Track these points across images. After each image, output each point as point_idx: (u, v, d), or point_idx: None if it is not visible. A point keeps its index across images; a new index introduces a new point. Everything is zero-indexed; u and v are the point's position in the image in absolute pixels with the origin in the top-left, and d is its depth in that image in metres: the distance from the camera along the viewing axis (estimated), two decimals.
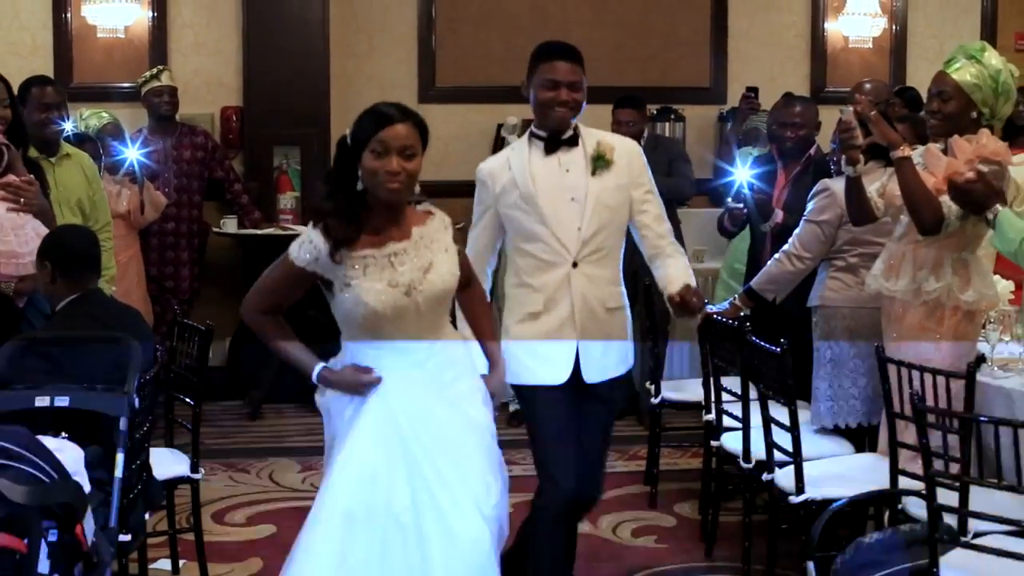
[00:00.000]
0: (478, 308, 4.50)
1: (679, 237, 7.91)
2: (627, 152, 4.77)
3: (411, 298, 3.95)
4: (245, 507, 6.75)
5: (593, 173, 4.66)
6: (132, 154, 7.93)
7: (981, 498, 4.29)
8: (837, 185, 5.68)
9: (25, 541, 3.55)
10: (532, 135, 4.77)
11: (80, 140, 7.09)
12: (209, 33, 9.39)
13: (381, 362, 3.99)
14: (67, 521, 3.68)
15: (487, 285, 4.82)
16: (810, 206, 5.94)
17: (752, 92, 8.45)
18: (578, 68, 4.66)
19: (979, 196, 4.66)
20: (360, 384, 3.98)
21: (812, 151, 6.71)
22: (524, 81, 4.77)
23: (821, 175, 6.15)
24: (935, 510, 4.19)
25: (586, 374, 4.74)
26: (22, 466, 3.59)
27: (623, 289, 4.86)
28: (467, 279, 4.32)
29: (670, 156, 8.08)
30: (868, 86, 6.89)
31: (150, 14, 9.28)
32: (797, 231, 5.98)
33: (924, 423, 4.21)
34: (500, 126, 9.38)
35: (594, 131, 4.81)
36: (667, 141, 8.34)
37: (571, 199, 4.67)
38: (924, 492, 4.28)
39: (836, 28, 10.23)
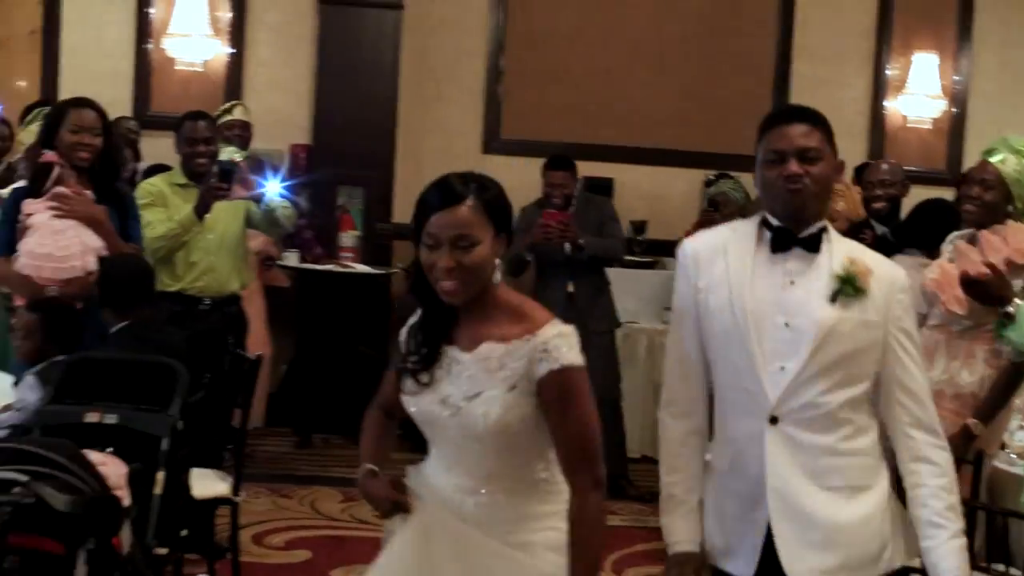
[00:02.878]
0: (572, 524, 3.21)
1: (608, 297, 7.95)
2: (889, 282, 3.38)
3: (444, 411, 3.20)
4: (284, 531, 6.96)
5: (833, 299, 3.33)
6: (273, 187, 7.35)
7: None
8: None
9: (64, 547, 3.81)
10: (763, 223, 3.44)
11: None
12: (284, 72, 9.71)
13: (428, 473, 3.34)
14: (105, 531, 3.93)
15: (697, 421, 3.53)
16: None
17: None
18: (815, 132, 3.35)
19: (994, 289, 4.56)
20: (387, 503, 3.26)
21: None
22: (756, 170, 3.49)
23: None
24: None
25: (788, 564, 3.35)
26: (65, 476, 3.85)
27: (877, 464, 3.42)
28: (568, 466, 3.22)
29: (602, 217, 8.09)
30: (885, 167, 7.13)
31: (229, 50, 9.63)
32: None
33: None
34: None
35: (850, 243, 3.49)
36: (598, 201, 8.36)
37: (784, 324, 3.35)
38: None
39: (896, 107, 10.41)
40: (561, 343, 3.13)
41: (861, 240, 6.20)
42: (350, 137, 9.28)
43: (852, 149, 10.14)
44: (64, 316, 5.31)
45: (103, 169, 5.75)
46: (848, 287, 3.31)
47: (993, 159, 5.21)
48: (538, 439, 3.20)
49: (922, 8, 10.41)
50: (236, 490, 5.70)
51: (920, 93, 10.34)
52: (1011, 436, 5.37)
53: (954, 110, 10.46)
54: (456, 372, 3.19)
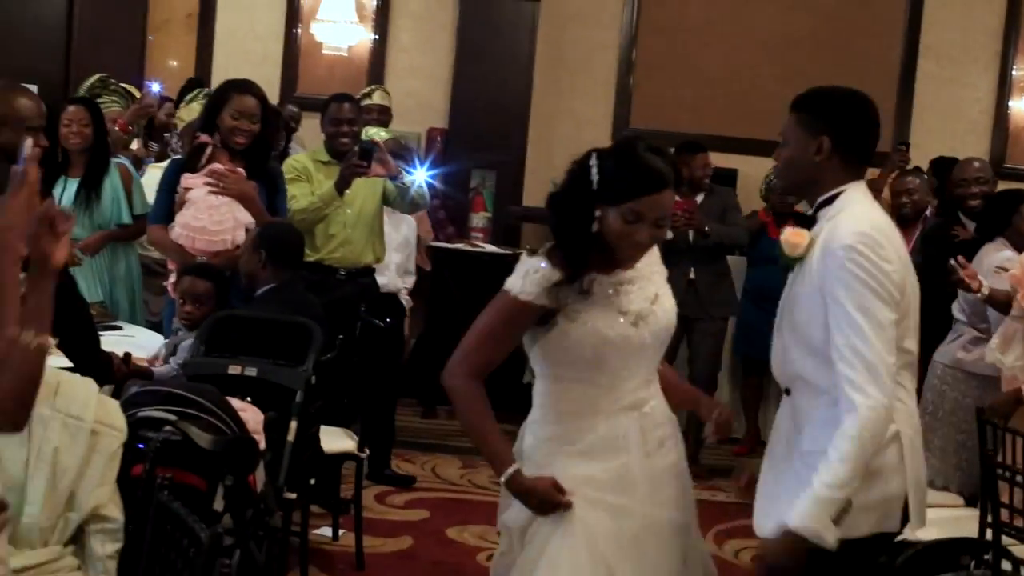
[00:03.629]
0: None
1: (729, 284, 8.18)
2: (823, 248, 3.45)
3: (638, 330, 3.51)
4: (405, 492, 7.38)
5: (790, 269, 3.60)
6: (420, 175, 7.74)
7: None
8: None
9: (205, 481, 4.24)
10: None
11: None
12: (424, 59, 10.18)
13: (596, 404, 3.56)
14: (242, 469, 4.36)
15: None
16: None
17: (903, 145, 8.97)
18: (790, 117, 3.61)
19: None
20: (550, 504, 3.46)
21: (927, 212, 7.36)
22: None
23: (929, 243, 6.82)
24: (998, 555, 4.65)
25: (756, 519, 3.70)
26: (210, 419, 4.29)
27: None
28: None
29: (725, 205, 8.35)
30: (977, 164, 7.40)
31: (373, 36, 10.14)
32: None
33: (993, 477, 4.70)
34: None
35: (852, 211, 3.48)
36: (722, 190, 8.63)
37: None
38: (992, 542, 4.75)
39: (1020, 107, 10.55)
40: None
41: (952, 237, 6.56)
42: (485, 122, 9.64)
43: (975, 148, 10.27)
44: (222, 282, 5.75)
45: (256, 148, 6.14)
46: (785, 259, 3.52)
47: None
48: None
49: None
50: (362, 447, 6.11)
51: None
52: None
53: None
54: (625, 291, 3.51)
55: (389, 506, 7.13)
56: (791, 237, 3.52)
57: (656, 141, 8.77)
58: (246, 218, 5.98)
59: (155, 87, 8.64)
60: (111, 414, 3.77)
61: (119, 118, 7.59)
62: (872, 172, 8.63)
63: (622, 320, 3.48)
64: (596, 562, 3.44)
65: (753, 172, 10.10)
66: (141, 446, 3.93)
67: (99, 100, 7.41)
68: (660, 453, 3.60)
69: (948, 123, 10.43)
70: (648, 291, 3.55)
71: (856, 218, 3.46)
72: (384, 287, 7.53)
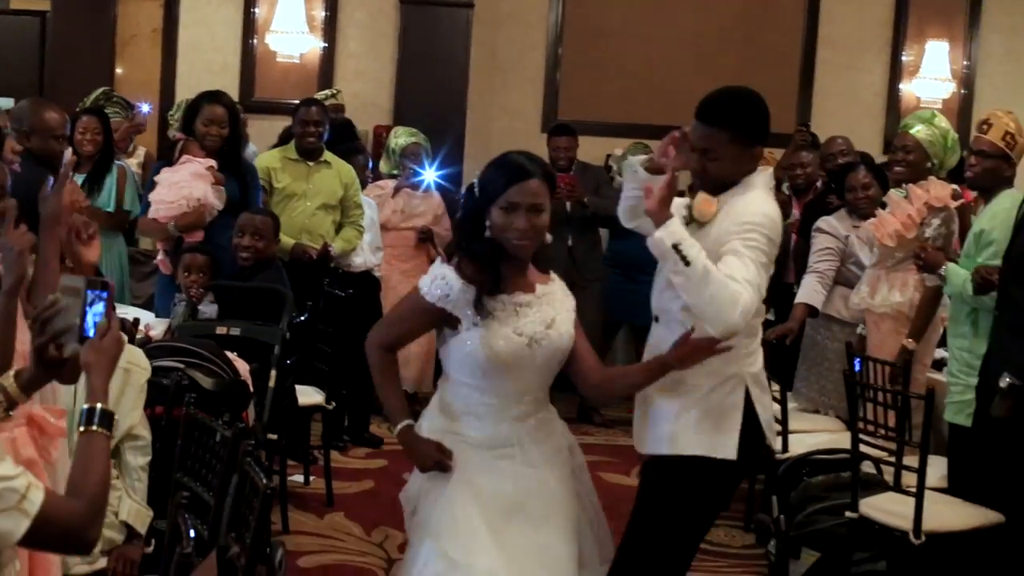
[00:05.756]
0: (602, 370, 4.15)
1: (599, 253, 9.16)
2: (738, 220, 4.05)
3: (531, 350, 3.85)
4: (365, 447, 8.36)
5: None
6: (429, 175, 8.98)
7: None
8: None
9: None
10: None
11: (348, 152, 8.63)
12: (369, 63, 11.00)
13: (484, 407, 3.91)
14: (237, 407, 5.30)
15: None
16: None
17: (804, 126, 9.83)
18: (721, 135, 4.16)
19: (932, 263, 5.83)
20: (431, 464, 3.86)
21: (819, 184, 8.40)
22: None
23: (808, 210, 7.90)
24: (856, 460, 5.61)
25: (635, 439, 4.41)
26: (210, 365, 5.24)
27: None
28: (593, 357, 4.10)
29: (597, 180, 9.37)
30: (840, 140, 8.46)
31: (322, 45, 10.95)
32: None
33: (855, 395, 5.67)
34: (608, 156, 10.86)
35: (763, 194, 4.17)
36: (594, 168, 9.62)
37: None
38: (851, 451, 5.71)
39: (910, 89, 11.49)
40: None
41: (828, 204, 7.51)
42: (426, 119, 10.19)
43: (870, 127, 11.28)
44: (213, 256, 6.68)
45: (229, 149, 7.20)
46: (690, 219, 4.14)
47: (911, 130, 6.40)
48: None
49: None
50: (328, 399, 7.06)
51: (932, 77, 11.38)
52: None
53: (963, 92, 11.52)
54: (523, 312, 3.86)
55: (351, 457, 8.11)
56: (703, 205, 4.07)
57: (581, 129, 9.80)
58: (198, 192, 6.97)
59: (145, 108, 9.52)
60: (137, 356, 4.72)
61: (116, 131, 8.56)
62: (778, 151, 9.63)
63: (517, 339, 3.83)
64: (481, 512, 3.82)
65: None
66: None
67: (104, 110, 8.42)
68: (547, 466, 3.95)
69: (845, 106, 11.35)
70: (546, 315, 3.89)
71: (760, 202, 4.09)
72: (360, 266, 8.40)
